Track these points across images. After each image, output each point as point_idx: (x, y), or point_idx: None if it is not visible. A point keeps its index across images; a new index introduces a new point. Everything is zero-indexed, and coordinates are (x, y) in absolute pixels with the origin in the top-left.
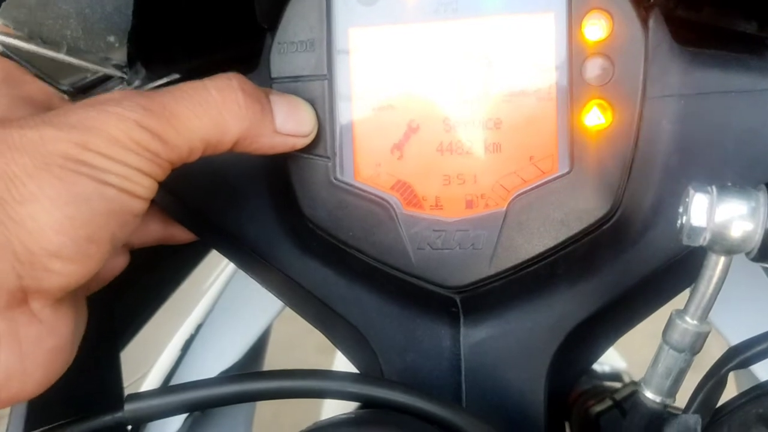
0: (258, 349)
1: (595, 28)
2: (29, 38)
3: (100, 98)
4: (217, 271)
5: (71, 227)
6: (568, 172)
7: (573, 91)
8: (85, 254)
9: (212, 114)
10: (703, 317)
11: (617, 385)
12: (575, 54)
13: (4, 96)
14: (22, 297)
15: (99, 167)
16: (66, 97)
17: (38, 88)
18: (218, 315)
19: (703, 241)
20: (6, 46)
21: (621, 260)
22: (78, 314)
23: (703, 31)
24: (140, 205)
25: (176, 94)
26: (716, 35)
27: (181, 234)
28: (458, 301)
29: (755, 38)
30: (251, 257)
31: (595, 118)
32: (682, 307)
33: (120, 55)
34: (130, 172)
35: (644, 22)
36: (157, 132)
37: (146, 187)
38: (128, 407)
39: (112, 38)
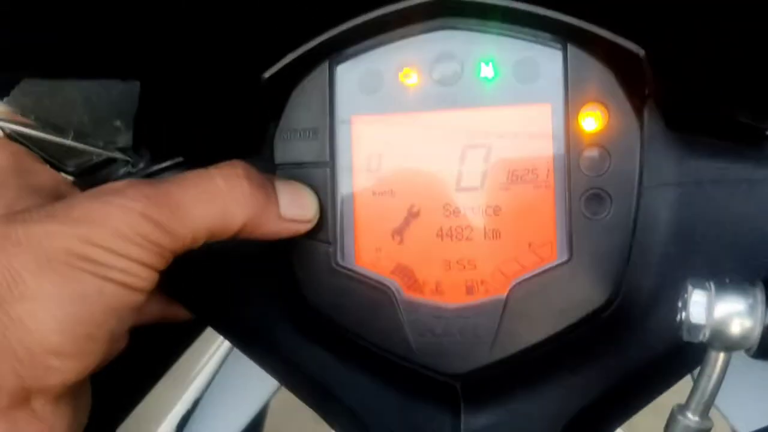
0: (256, 425)
1: (592, 120)
2: (36, 125)
3: (105, 189)
4: (214, 346)
5: (71, 325)
6: (567, 260)
7: (571, 180)
8: (84, 351)
9: (218, 203)
10: (705, 413)
11: None
12: (572, 144)
13: (12, 186)
14: (23, 396)
15: (102, 262)
16: (71, 179)
17: (47, 176)
18: (215, 391)
19: (702, 337)
20: (13, 131)
21: (621, 347)
22: (77, 407)
23: (698, 118)
24: (140, 298)
25: (182, 183)
26: (712, 123)
27: (180, 313)
28: (459, 388)
29: (751, 127)
30: (249, 338)
31: (593, 206)
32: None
33: (125, 139)
34: (131, 265)
35: (639, 112)
36: (160, 222)
37: (147, 279)
38: None
39: (118, 123)
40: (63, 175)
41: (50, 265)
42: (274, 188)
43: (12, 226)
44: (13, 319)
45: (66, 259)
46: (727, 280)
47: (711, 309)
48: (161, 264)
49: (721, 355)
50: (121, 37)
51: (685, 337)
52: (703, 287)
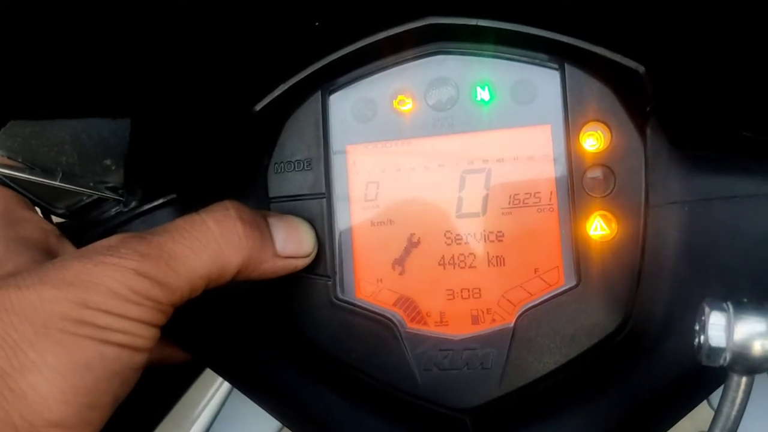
0: None
1: (593, 139)
2: (24, 167)
3: (96, 247)
4: (214, 387)
5: (73, 396)
6: (575, 285)
7: (575, 202)
8: (86, 421)
9: (212, 249)
10: None
11: None
12: (575, 165)
13: (1, 239)
14: None
15: (100, 325)
16: (60, 229)
17: (34, 225)
18: None
19: (723, 361)
20: (1, 174)
21: (635, 374)
22: None
23: (702, 133)
24: (143, 358)
25: (173, 234)
26: (716, 138)
27: (177, 354)
28: (468, 422)
29: (756, 141)
30: (249, 379)
31: (600, 228)
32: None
33: (116, 177)
34: (131, 325)
35: (641, 130)
36: (156, 278)
37: (148, 337)
38: None
39: (108, 161)
40: (53, 220)
41: (48, 333)
42: (268, 226)
43: (5, 292)
44: (15, 391)
45: (63, 325)
46: (745, 300)
47: (731, 331)
48: (161, 320)
49: (744, 379)
50: (109, 74)
51: (704, 362)
52: (720, 308)
